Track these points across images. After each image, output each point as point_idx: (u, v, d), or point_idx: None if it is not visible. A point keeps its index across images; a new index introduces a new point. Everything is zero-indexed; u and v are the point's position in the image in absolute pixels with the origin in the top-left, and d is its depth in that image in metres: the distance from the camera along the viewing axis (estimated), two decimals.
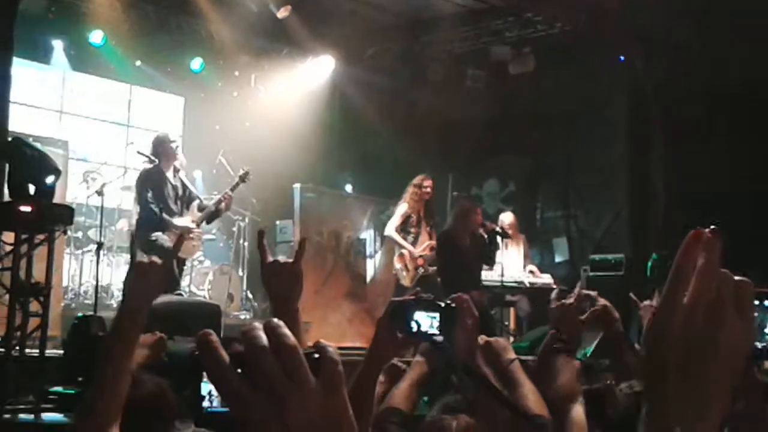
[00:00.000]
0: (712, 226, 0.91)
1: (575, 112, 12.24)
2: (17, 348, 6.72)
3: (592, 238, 12.22)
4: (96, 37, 11.28)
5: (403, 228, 9.75)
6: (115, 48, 11.57)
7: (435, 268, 9.57)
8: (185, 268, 9.27)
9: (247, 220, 11.44)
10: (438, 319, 2.10)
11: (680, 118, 10.94)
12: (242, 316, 10.62)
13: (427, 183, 9.82)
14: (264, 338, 0.86)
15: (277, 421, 0.85)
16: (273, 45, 12.67)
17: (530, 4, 11.42)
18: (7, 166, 7.13)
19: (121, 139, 12.25)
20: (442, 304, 2.12)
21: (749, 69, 9.73)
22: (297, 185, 11.00)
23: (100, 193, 9.36)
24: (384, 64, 12.98)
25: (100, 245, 8.85)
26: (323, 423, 0.86)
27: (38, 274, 6.99)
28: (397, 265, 9.72)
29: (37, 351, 6.81)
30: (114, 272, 10.18)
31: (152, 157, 8.72)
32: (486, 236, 9.19)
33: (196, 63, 12.38)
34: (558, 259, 12.49)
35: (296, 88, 12.97)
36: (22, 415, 6.09)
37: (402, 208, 9.79)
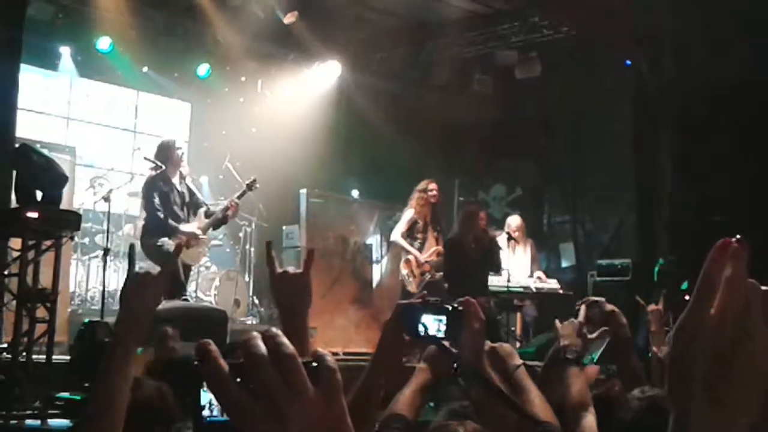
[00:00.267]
0: (737, 236, 0.90)
1: (581, 116, 12.24)
2: (24, 354, 6.73)
3: (599, 243, 12.20)
4: (103, 43, 11.31)
5: (410, 233, 9.75)
6: (122, 54, 11.60)
7: (441, 273, 9.57)
8: (191, 273, 9.27)
9: (253, 225, 11.45)
10: (445, 322, 2.10)
11: (686, 121, 10.92)
12: (249, 322, 10.63)
13: (432, 187, 9.81)
14: (263, 347, 0.86)
15: (277, 430, 0.85)
16: (279, 50, 12.69)
17: (536, 9, 11.42)
18: (14, 172, 7.15)
19: (127, 145, 12.28)
20: (449, 308, 2.12)
21: (756, 71, 9.71)
22: (303, 190, 11.01)
23: (107, 199, 9.39)
24: (390, 69, 12.99)
25: (106, 251, 8.86)
26: (322, 431, 0.86)
27: (45, 280, 7.01)
28: (404, 270, 9.71)
29: (44, 357, 6.83)
30: (121, 278, 10.18)
31: (159, 163, 8.75)
32: (488, 242, 9.24)
33: (203, 69, 12.40)
34: (564, 264, 12.46)
35: (303, 93, 12.99)
36: (28, 421, 6.10)
37: (408, 214, 9.78)
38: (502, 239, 10.22)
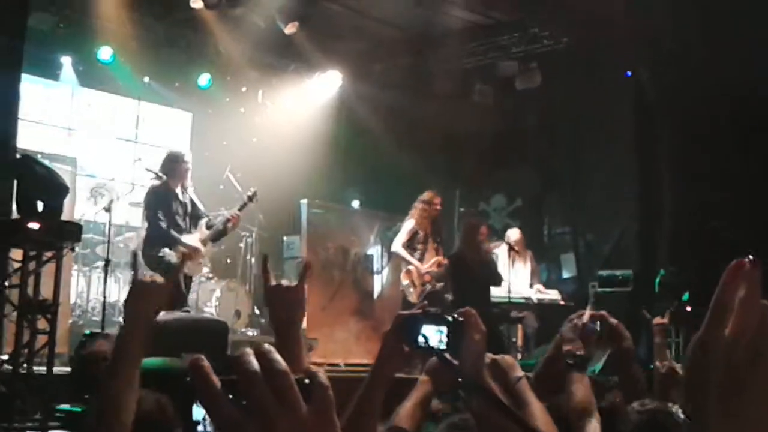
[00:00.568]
0: (750, 257, 0.90)
1: (582, 126, 12.25)
2: (25, 365, 6.72)
3: (600, 254, 12.19)
4: (105, 53, 11.33)
5: (410, 244, 9.75)
6: (123, 64, 11.62)
7: (442, 284, 9.58)
8: (192, 284, 9.27)
9: (254, 236, 11.45)
10: (445, 333, 2.08)
11: (687, 131, 10.92)
12: (249, 333, 10.60)
13: (437, 201, 9.84)
14: (255, 364, 0.86)
15: None
16: (280, 61, 12.72)
17: (536, 20, 11.45)
18: (15, 183, 7.15)
19: (129, 156, 12.28)
20: (450, 318, 2.10)
21: (756, 79, 9.71)
22: (304, 201, 11.02)
23: (108, 209, 9.39)
24: (391, 80, 13.01)
25: (107, 262, 8.86)
26: None
27: (46, 291, 7.00)
28: (404, 281, 9.71)
29: (45, 368, 6.81)
30: (122, 289, 10.18)
31: (159, 174, 8.75)
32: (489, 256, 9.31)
33: (204, 79, 12.42)
34: (565, 275, 12.46)
35: (303, 103, 13.02)
36: None
37: (409, 224, 9.78)
38: (502, 251, 10.23)
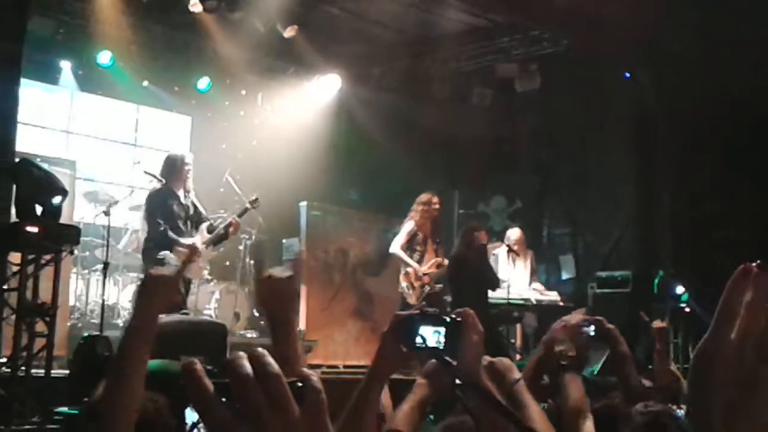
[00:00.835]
0: (758, 262, 0.90)
1: (581, 128, 12.26)
2: (23, 368, 6.73)
3: (599, 255, 12.19)
4: (104, 57, 11.33)
5: (409, 246, 9.75)
6: (122, 68, 11.62)
7: (441, 285, 9.59)
8: (192, 287, 9.27)
9: (253, 238, 11.44)
10: (443, 333, 2.08)
11: (687, 134, 10.92)
12: (249, 335, 10.59)
13: (436, 201, 9.85)
14: (248, 367, 0.86)
15: None
16: (279, 64, 12.72)
17: (536, 22, 11.45)
18: (14, 186, 7.16)
19: (128, 159, 12.28)
20: (448, 319, 2.09)
21: (756, 81, 9.72)
22: (303, 203, 11.02)
23: (107, 212, 9.39)
24: (390, 83, 13.02)
25: (106, 265, 8.87)
26: None
27: (45, 294, 7.00)
28: (403, 283, 9.71)
29: (43, 371, 6.82)
30: (121, 292, 10.18)
31: (159, 177, 8.75)
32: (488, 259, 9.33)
33: (203, 82, 12.42)
34: (565, 276, 12.46)
35: (303, 106, 13.01)
36: None
37: (408, 226, 9.78)
38: (502, 251, 10.24)
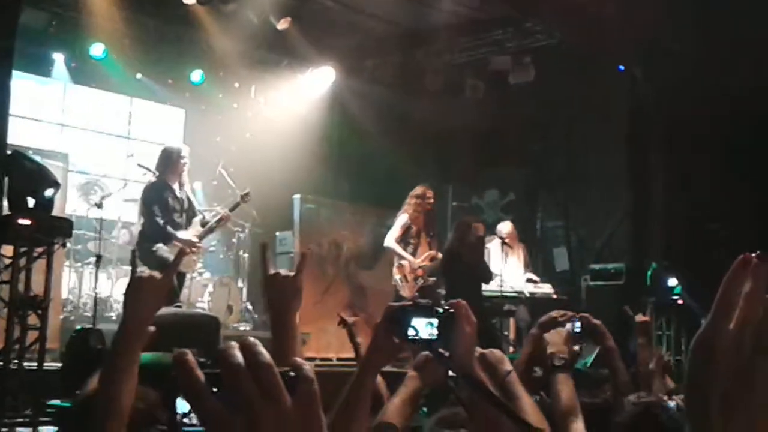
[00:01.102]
0: (758, 252, 0.90)
1: (575, 121, 12.26)
2: (16, 361, 6.71)
3: (592, 248, 12.22)
4: (96, 50, 11.30)
5: (403, 239, 9.75)
6: (115, 61, 11.59)
7: (434, 278, 9.60)
8: (185, 279, 9.27)
9: (246, 231, 11.44)
10: (436, 325, 2.07)
11: (680, 127, 10.94)
12: (242, 328, 10.60)
13: (430, 194, 9.85)
14: (240, 357, 0.86)
15: None
16: (273, 56, 12.70)
17: (530, 15, 11.44)
18: (6, 179, 7.13)
19: (121, 152, 12.26)
20: (441, 310, 2.09)
21: (749, 76, 9.73)
22: (297, 196, 11.01)
23: (99, 205, 9.37)
24: (384, 75, 13.00)
25: (99, 258, 8.85)
26: None
27: (37, 287, 6.99)
28: (397, 275, 9.71)
29: (36, 364, 6.80)
30: (113, 285, 10.17)
31: (152, 170, 8.74)
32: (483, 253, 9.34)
33: (197, 75, 12.39)
34: (558, 269, 12.48)
35: (296, 99, 13.00)
36: (20, 429, 6.08)
37: (402, 219, 9.78)
38: (494, 245, 10.25)
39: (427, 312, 2.08)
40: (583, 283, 11.01)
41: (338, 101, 13.20)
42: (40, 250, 7.03)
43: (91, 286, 9.46)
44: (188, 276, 9.53)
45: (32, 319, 6.93)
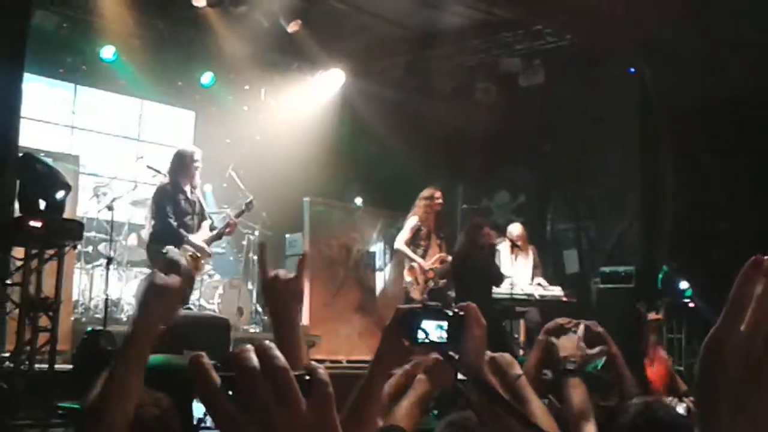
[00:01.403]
0: None
1: (585, 123, 12.23)
2: (26, 362, 6.73)
3: (603, 250, 12.19)
4: (107, 52, 11.33)
5: (413, 241, 9.76)
6: (126, 63, 11.62)
7: (445, 281, 9.59)
8: (195, 282, 9.28)
9: (256, 233, 11.45)
10: (445, 328, 2.06)
11: (690, 127, 10.91)
12: (252, 330, 10.61)
13: (438, 195, 9.86)
14: (255, 360, 0.86)
15: None
16: (283, 59, 12.71)
17: (540, 17, 11.42)
18: (17, 181, 7.16)
19: (131, 154, 12.30)
20: (450, 313, 2.07)
21: (758, 75, 9.70)
22: (306, 199, 11.02)
23: (110, 207, 9.40)
24: (394, 77, 13.00)
25: (110, 260, 8.88)
26: None
27: (48, 289, 7.01)
28: (408, 278, 9.72)
29: (47, 365, 6.82)
30: (124, 286, 10.19)
31: (162, 171, 8.76)
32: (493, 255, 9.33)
33: (207, 77, 12.42)
34: (568, 271, 12.45)
35: (306, 101, 13.01)
36: (30, 430, 6.09)
37: (412, 221, 9.79)
38: (504, 247, 10.23)
39: (436, 314, 2.07)
40: (594, 285, 10.98)
41: (348, 103, 13.21)
42: (51, 252, 7.06)
43: (101, 287, 9.49)
44: (198, 278, 9.55)
45: (43, 321, 6.95)
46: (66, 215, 7.37)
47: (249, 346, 0.88)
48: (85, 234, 8.26)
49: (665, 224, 11.39)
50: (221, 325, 7.83)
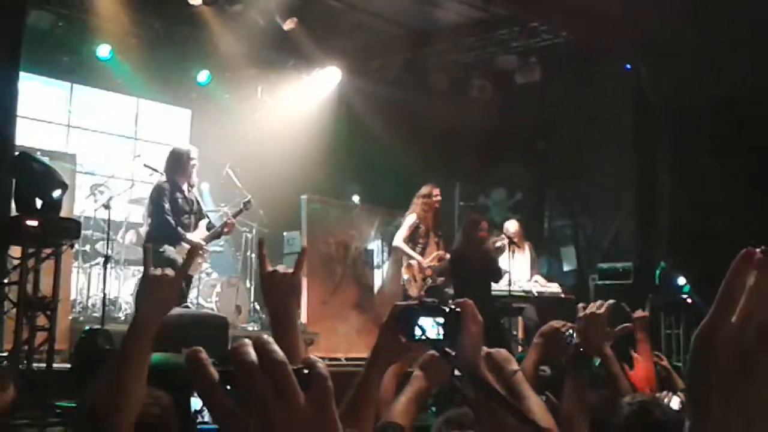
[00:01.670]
0: (763, 247, 0.89)
1: (581, 120, 12.25)
2: (24, 361, 6.72)
3: (600, 247, 12.20)
4: (103, 51, 11.31)
5: (412, 238, 9.76)
6: (122, 62, 11.60)
7: (443, 278, 9.59)
8: (193, 280, 9.28)
9: (254, 231, 11.43)
10: (442, 324, 2.06)
11: (686, 124, 10.92)
12: (250, 328, 10.59)
13: (436, 192, 9.87)
14: (253, 355, 0.85)
15: None
16: (279, 57, 12.70)
17: (536, 14, 11.42)
18: (14, 180, 7.15)
19: (128, 153, 12.29)
20: (447, 309, 2.08)
21: (754, 74, 9.71)
22: (304, 196, 11.00)
23: (107, 206, 9.38)
24: (390, 75, 13.00)
25: (107, 258, 8.86)
26: None
27: (46, 288, 7.00)
28: (405, 275, 9.72)
29: (45, 364, 6.81)
30: (122, 285, 10.18)
31: (158, 170, 8.75)
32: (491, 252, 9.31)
33: (203, 75, 12.40)
34: (566, 268, 12.46)
35: (303, 99, 13.00)
36: (28, 430, 6.08)
37: (410, 219, 9.79)
38: (501, 244, 10.24)
39: (433, 311, 2.07)
40: (591, 282, 10.99)
41: (344, 101, 13.20)
42: (48, 251, 7.05)
43: (99, 286, 9.48)
44: (196, 276, 9.54)
45: (41, 320, 6.94)
46: (63, 214, 7.35)
47: (247, 341, 0.87)
48: (83, 233, 8.24)
49: (661, 222, 11.40)
50: (219, 323, 7.82)
